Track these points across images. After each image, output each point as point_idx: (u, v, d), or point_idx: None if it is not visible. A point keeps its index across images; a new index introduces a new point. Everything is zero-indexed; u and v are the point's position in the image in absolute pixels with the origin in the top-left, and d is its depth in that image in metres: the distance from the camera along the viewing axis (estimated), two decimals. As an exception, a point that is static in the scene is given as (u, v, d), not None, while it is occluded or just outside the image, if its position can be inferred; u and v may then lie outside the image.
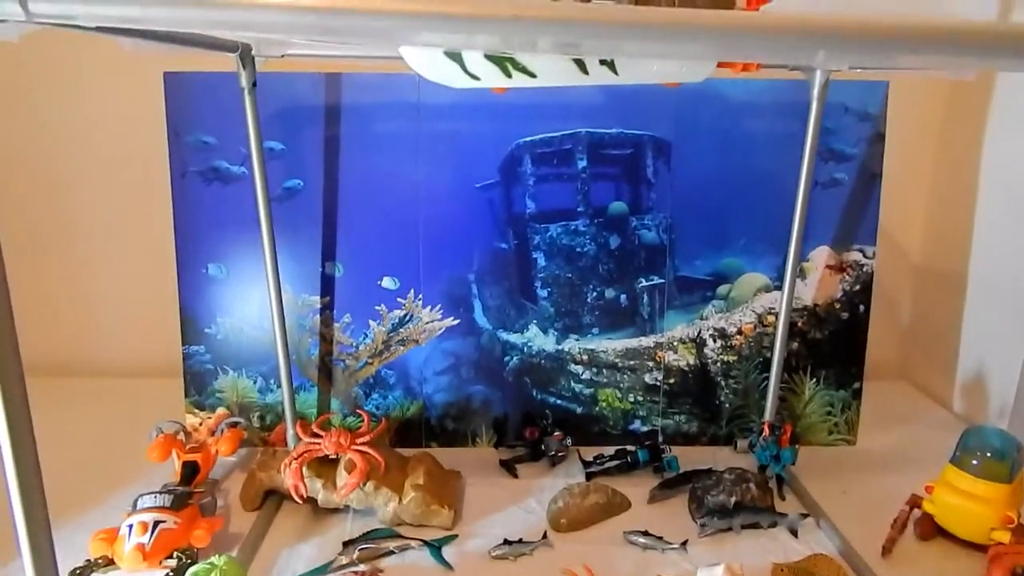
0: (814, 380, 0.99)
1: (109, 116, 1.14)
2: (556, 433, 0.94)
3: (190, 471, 0.84)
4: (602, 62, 0.65)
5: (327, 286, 0.96)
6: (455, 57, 0.63)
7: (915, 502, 0.80)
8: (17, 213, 1.18)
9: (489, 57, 0.63)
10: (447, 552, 0.76)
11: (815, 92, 0.83)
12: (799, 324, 0.97)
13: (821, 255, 0.97)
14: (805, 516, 0.82)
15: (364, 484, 0.79)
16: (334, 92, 0.92)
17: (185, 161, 0.92)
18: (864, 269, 0.97)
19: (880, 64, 0.85)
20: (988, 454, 0.76)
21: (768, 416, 0.95)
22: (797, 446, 0.89)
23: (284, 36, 0.67)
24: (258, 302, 0.94)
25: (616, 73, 0.66)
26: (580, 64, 0.65)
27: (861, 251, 0.97)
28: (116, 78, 1.11)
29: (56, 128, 1.15)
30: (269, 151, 0.90)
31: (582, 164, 0.94)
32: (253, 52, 0.77)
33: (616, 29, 0.37)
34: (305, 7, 0.36)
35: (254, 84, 0.79)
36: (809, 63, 0.81)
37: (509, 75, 0.64)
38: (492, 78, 0.64)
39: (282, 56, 0.79)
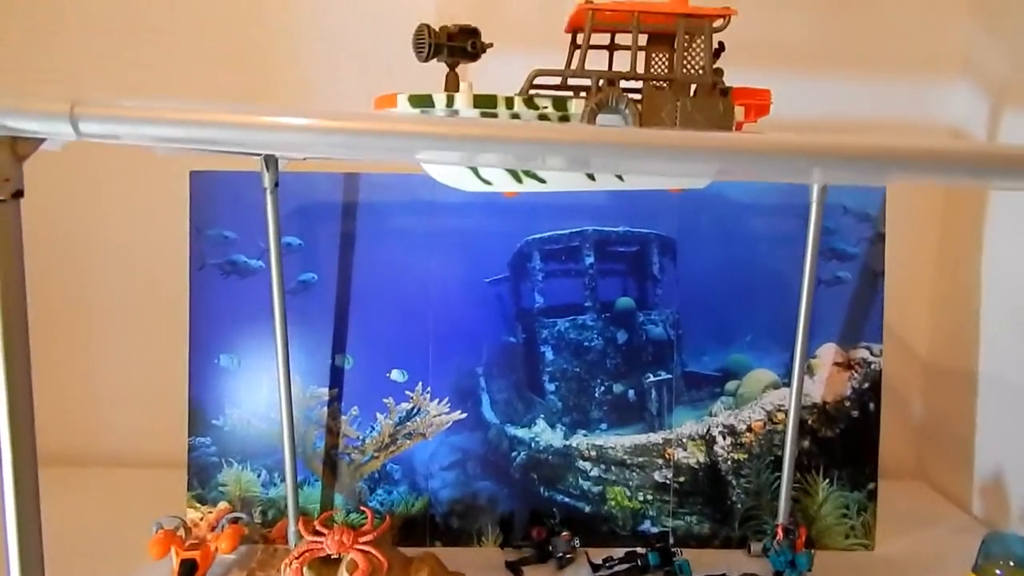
0: (827, 480, 0.97)
1: (129, 209, 1.18)
2: (564, 533, 0.91)
3: (188, 569, 0.82)
4: (608, 169, 0.68)
5: (336, 378, 0.96)
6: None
7: (939, 615, 0.77)
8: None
9: (501, 164, 0.66)
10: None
11: (814, 196, 0.86)
12: (809, 422, 0.96)
13: (828, 352, 0.97)
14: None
15: (366, 586, 0.77)
16: (352, 191, 0.96)
17: (204, 254, 0.95)
18: (872, 367, 0.97)
19: (874, 183, 0.88)
20: (1011, 563, 0.73)
21: (782, 518, 0.92)
22: (813, 550, 0.87)
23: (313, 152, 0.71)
24: (267, 393, 0.94)
25: (622, 179, 0.69)
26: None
27: (868, 349, 0.97)
28: (140, 172, 1.15)
29: (74, 219, 1.18)
30: (287, 246, 0.93)
31: (589, 260, 0.97)
32: (277, 155, 0.82)
33: (622, 150, 0.39)
34: (333, 128, 0.39)
35: (276, 184, 0.83)
36: (805, 181, 0.85)
37: (520, 180, 0.68)
38: (503, 183, 0.68)
39: (304, 159, 0.83)
